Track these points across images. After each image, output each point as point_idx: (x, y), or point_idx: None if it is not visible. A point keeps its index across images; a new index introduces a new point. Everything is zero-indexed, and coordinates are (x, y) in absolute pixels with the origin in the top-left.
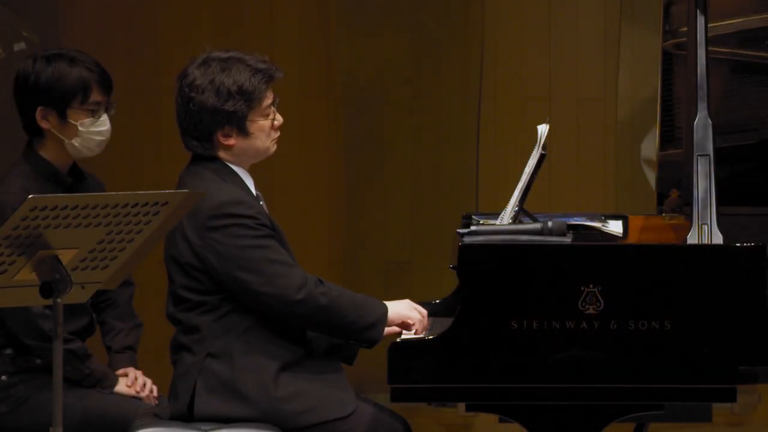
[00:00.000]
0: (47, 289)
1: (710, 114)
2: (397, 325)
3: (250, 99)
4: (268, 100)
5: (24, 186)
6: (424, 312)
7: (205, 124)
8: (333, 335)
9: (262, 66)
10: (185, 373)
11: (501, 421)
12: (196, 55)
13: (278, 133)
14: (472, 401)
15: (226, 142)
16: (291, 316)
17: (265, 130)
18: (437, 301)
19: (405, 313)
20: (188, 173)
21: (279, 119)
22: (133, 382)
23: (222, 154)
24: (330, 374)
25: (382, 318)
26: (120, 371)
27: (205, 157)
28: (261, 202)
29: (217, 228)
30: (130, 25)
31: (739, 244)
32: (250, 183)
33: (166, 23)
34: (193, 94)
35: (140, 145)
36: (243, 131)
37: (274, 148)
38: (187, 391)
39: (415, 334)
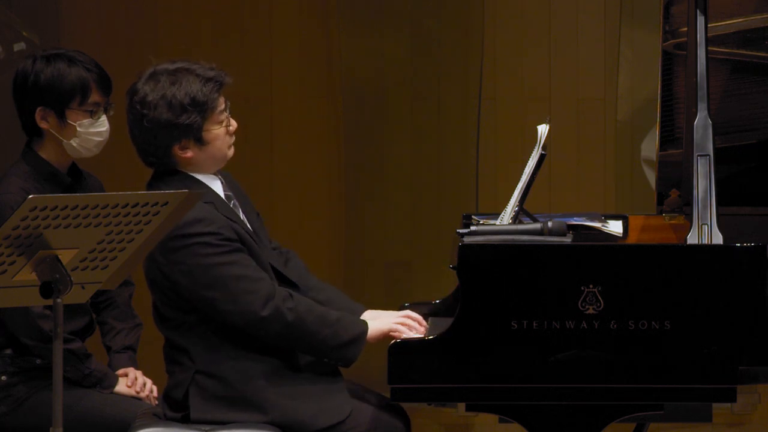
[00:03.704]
0: (47, 289)
1: (710, 114)
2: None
3: (203, 109)
4: (221, 107)
5: (23, 186)
6: (414, 317)
7: (161, 139)
8: (306, 353)
9: (211, 74)
10: (177, 385)
11: (501, 421)
12: (142, 70)
13: (233, 138)
14: (472, 401)
15: (183, 155)
16: (258, 333)
17: (221, 137)
18: (437, 301)
19: (385, 329)
20: (151, 186)
21: (233, 124)
22: (133, 382)
23: (181, 165)
24: (323, 378)
25: (360, 337)
26: (120, 371)
27: (166, 170)
28: (233, 202)
29: (180, 248)
30: (131, 25)
31: (739, 244)
32: (217, 187)
33: (166, 24)
34: (145, 111)
35: None
36: (200, 142)
37: (231, 152)
38: (182, 403)
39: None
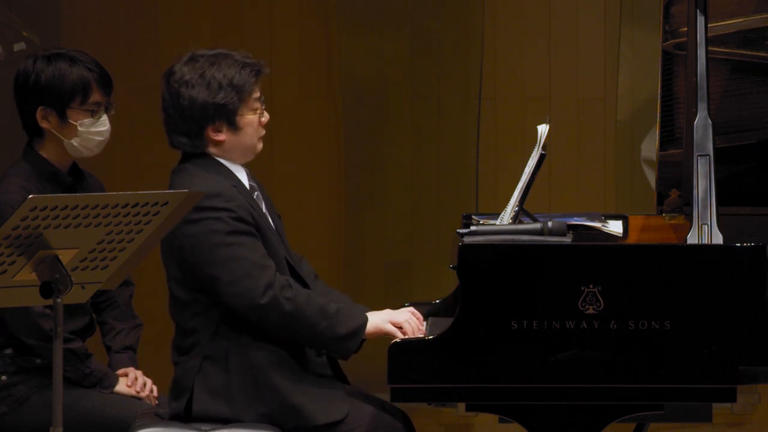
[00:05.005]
0: (47, 289)
1: (710, 114)
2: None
3: (240, 92)
4: (257, 94)
5: (24, 186)
6: (409, 316)
7: (196, 118)
8: (304, 344)
9: (249, 60)
10: (183, 375)
11: (501, 421)
12: (180, 55)
13: (264, 131)
14: (472, 401)
15: (216, 137)
16: (256, 320)
17: (254, 125)
18: (437, 301)
19: (383, 327)
20: (176, 170)
21: (266, 116)
22: (133, 382)
23: (211, 149)
24: (325, 378)
25: (358, 330)
26: (120, 371)
27: (194, 154)
28: (256, 193)
29: (194, 221)
30: (131, 25)
31: (739, 244)
32: (242, 176)
33: (166, 24)
34: (183, 90)
35: (140, 146)
36: (233, 125)
37: (260, 146)
38: (186, 392)
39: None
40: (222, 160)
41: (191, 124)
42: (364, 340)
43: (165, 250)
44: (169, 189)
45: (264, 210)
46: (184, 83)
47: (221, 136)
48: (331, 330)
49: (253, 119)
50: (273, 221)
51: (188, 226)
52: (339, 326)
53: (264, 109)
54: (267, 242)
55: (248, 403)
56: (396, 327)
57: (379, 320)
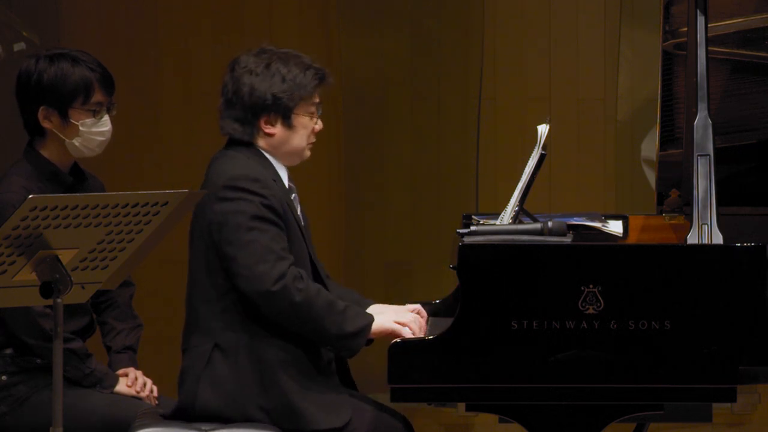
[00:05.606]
0: (47, 289)
1: (710, 114)
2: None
3: (301, 90)
4: (316, 100)
5: (25, 185)
6: (414, 315)
7: (252, 106)
8: (311, 337)
9: (317, 65)
10: (191, 364)
11: (501, 421)
12: (250, 48)
13: (314, 140)
14: (472, 401)
15: (267, 130)
16: (265, 306)
17: (307, 128)
18: (437, 301)
19: (388, 326)
20: (217, 155)
21: (320, 124)
22: (133, 382)
23: (260, 141)
24: (331, 382)
25: (364, 329)
26: (120, 371)
27: (241, 142)
28: (293, 195)
29: (226, 200)
30: (131, 25)
31: (739, 244)
32: (283, 174)
33: (166, 24)
34: (246, 76)
35: (140, 146)
36: (287, 122)
37: (308, 153)
38: (192, 383)
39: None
40: (267, 155)
41: (246, 111)
42: (371, 339)
43: (194, 228)
44: (207, 172)
45: (299, 212)
46: (248, 71)
47: (273, 130)
48: (338, 326)
49: (308, 122)
50: (304, 225)
51: (220, 204)
52: (346, 323)
53: (319, 118)
54: (292, 240)
55: (250, 397)
56: (401, 326)
57: (384, 320)
